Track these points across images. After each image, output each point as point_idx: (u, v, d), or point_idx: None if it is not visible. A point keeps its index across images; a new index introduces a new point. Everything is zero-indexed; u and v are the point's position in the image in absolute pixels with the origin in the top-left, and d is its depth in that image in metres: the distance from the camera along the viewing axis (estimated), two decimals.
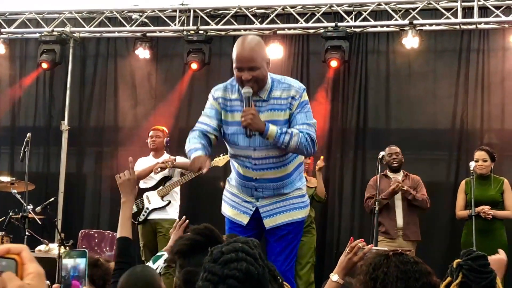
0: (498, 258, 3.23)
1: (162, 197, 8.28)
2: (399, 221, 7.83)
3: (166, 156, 8.54)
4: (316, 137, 4.47)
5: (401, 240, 7.74)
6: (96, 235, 9.21)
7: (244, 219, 4.58)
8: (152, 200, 8.29)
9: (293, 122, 4.39)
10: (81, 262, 2.12)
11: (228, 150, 4.69)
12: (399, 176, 7.97)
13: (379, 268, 2.68)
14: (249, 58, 4.28)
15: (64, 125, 10.37)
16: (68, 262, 2.11)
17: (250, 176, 4.52)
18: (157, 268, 4.12)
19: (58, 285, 2.17)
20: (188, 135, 4.60)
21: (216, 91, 4.57)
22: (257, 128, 4.26)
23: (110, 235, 9.10)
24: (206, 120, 4.57)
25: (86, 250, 2.12)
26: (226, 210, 4.71)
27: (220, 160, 8.03)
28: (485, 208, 7.22)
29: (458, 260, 2.62)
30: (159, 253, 4.27)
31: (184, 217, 4.33)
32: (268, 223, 4.58)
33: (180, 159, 8.44)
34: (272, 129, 4.27)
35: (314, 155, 4.58)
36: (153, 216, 8.27)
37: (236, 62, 4.32)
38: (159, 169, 8.28)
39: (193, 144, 4.43)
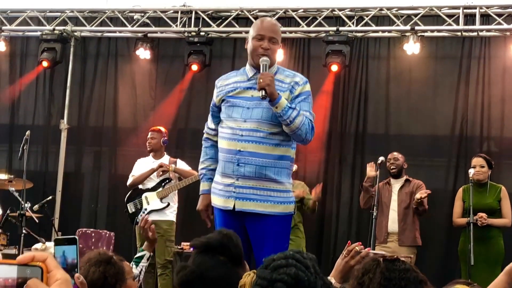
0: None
1: (161, 199, 8.29)
2: (393, 226, 7.85)
3: (166, 158, 8.54)
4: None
5: (395, 245, 7.75)
6: (93, 234, 9.19)
7: (230, 203, 4.50)
8: (151, 201, 8.30)
9: (298, 107, 4.42)
10: (71, 251, 2.08)
11: (219, 128, 4.68)
12: (400, 182, 7.98)
13: (367, 273, 2.66)
14: (272, 29, 4.56)
15: (63, 124, 10.36)
16: (58, 250, 2.08)
17: (235, 149, 4.48)
18: (142, 270, 4.12)
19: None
20: (202, 142, 4.89)
21: (219, 80, 4.75)
22: (272, 92, 4.31)
23: (107, 234, 9.09)
24: (210, 125, 4.80)
25: (76, 237, 2.09)
26: (215, 200, 4.63)
27: None
28: (483, 215, 7.20)
29: None
30: (139, 254, 4.26)
31: (147, 217, 4.41)
32: (238, 205, 4.48)
33: (180, 164, 8.45)
34: (284, 100, 4.35)
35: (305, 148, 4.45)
36: (151, 217, 8.22)
37: (258, 31, 4.54)
38: (161, 173, 8.32)
39: (206, 163, 4.82)
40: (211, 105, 4.73)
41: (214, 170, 4.69)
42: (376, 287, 2.59)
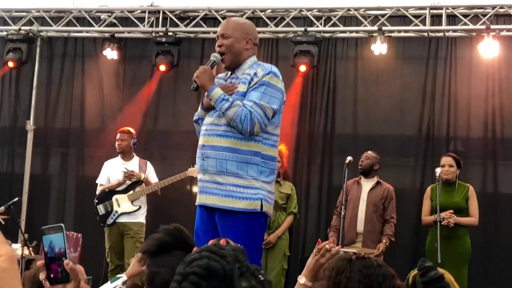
0: None
1: (132, 202, 8.25)
2: (360, 227, 7.86)
3: (136, 159, 8.50)
4: (264, 122, 4.37)
5: (361, 247, 7.75)
6: None
7: (201, 198, 4.49)
8: (121, 204, 8.26)
9: (246, 97, 4.40)
10: (58, 239, 2.08)
11: None
12: (371, 182, 7.99)
13: (342, 273, 2.67)
14: (223, 27, 4.59)
15: (30, 125, 10.25)
16: (45, 240, 2.08)
17: (201, 143, 4.50)
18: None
19: (43, 262, 2.13)
20: None
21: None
22: (202, 83, 4.43)
23: (74, 236, 9.01)
24: None
25: (62, 224, 2.09)
26: (197, 198, 4.60)
27: (194, 171, 8.03)
28: (448, 213, 7.23)
29: (415, 273, 2.60)
30: (118, 275, 4.25)
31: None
32: (201, 199, 4.48)
33: (150, 171, 8.44)
34: (216, 91, 4.39)
35: (251, 134, 4.37)
36: (121, 219, 8.25)
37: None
38: (130, 179, 8.31)
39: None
40: None
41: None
42: (356, 284, 2.60)
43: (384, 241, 7.79)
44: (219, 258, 1.85)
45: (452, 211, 7.29)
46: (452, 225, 7.23)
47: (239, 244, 2.02)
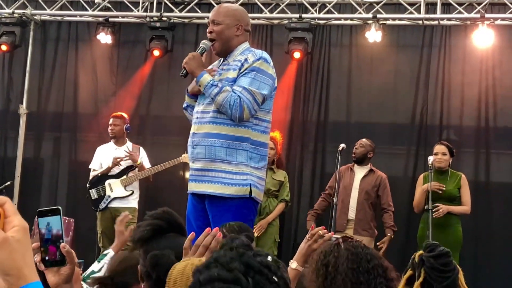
0: None
1: (125, 187, 8.25)
2: (351, 214, 7.87)
3: (128, 145, 8.49)
4: (254, 108, 4.39)
5: (352, 234, 7.76)
6: None
7: (192, 186, 4.53)
8: (114, 188, 8.26)
9: (236, 83, 4.42)
10: (55, 222, 2.07)
11: None
12: (364, 170, 7.99)
13: (330, 254, 2.69)
14: (214, 13, 4.60)
15: (23, 109, 10.21)
16: (41, 222, 2.08)
17: (192, 131, 4.53)
18: (102, 267, 4.09)
19: (38, 243, 2.13)
20: None
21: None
22: (190, 70, 4.45)
23: (66, 220, 8.99)
24: None
25: (59, 207, 2.09)
26: (188, 186, 4.63)
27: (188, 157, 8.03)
28: (435, 184, 7.24)
29: (420, 252, 2.63)
30: (105, 252, 4.24)
31: (126, 212, 4.39)
32: (191, 186, 4.53)
33: (144, 157, 8.44)
34: (205, 77, 4.40)
35: (241, 119, 4.39)
36: (113, 204, 8.26)
37: None
38: (124, 160, 8.30)
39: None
40: None
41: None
42: (344, 261, 2.62)
43: (389, 234, 7.80)
44: (233, 286, 1.74)
45: (435, 182, 7.30)
46: (441, 213, 7.25)
47: (243, 238, 1.93)
